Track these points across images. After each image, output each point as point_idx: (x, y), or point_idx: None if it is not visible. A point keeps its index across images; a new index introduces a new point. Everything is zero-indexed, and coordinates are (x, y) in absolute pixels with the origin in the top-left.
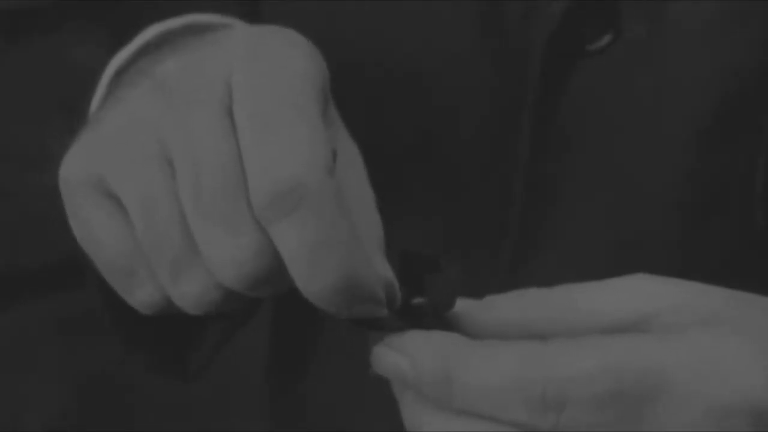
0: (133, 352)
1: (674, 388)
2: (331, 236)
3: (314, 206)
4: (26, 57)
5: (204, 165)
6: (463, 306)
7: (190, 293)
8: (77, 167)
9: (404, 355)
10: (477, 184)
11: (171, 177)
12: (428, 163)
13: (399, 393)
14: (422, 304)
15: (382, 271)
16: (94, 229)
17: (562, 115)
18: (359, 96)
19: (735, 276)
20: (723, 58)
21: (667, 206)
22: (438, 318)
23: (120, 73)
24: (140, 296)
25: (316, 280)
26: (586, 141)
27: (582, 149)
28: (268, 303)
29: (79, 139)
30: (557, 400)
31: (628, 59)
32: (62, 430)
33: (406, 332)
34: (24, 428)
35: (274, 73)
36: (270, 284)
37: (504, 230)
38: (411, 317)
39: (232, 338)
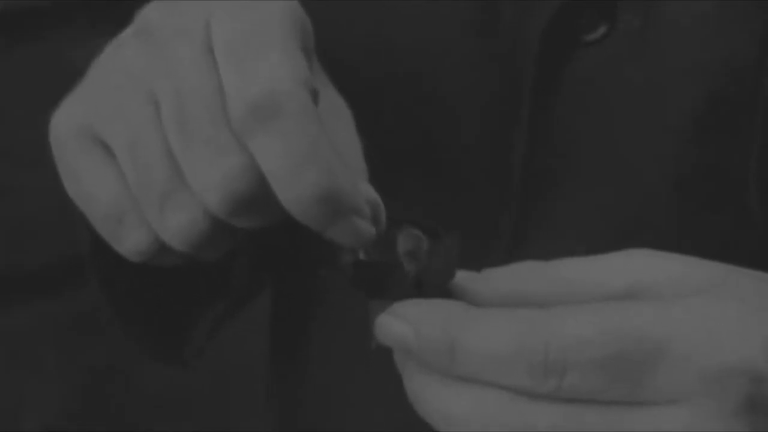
0: (129, 337)
1: (672, 353)
2: (310, 146)
3: (291, 116)
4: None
5: (186, 95)
6: (461, 278)
7: (178, 225)
8: (66, 119)
9: (407, 324)
10: (477, 180)
11: (157, 117)
12: (428, 160)
13: (401, 363)
14: (424, 271)
15: (366, 191)
16: (83, 178)
17: (559, 107)
18: (359, 96)
19: (732, 263)
20: (718, 50)
21: (664, 196)
22: (438, 288)
23: None
24: (130, 242)
25: (297, 189)
26: (584, 132)
27: (580, 140)
28: (267, 301)
29: (70, 95)
30: (559, 365)
31: (624, 51)
32: (62, 430)
33: (409, 301)
34: (24, 428)
35: (252, 10)
36: (255, 208)
37: (502, 223)
38: (414, 287)
39: (227, 324)
